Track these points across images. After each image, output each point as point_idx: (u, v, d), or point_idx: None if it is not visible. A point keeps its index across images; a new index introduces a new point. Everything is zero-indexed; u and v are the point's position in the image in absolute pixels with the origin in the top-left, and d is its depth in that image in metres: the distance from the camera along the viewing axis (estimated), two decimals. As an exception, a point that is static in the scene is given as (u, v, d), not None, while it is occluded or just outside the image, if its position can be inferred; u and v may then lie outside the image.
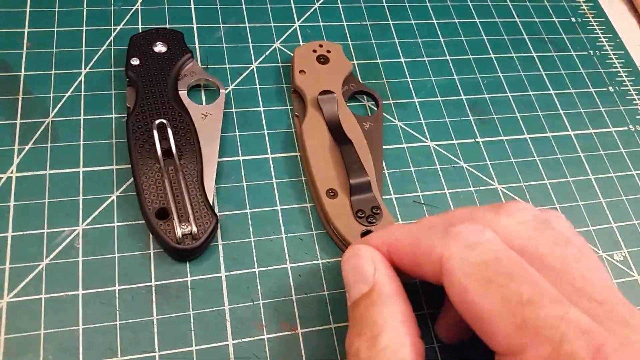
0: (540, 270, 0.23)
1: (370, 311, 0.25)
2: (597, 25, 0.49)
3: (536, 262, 0.23)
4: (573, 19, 0.49)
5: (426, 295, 0.32)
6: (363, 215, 0.33)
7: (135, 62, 0.36)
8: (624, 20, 0.50)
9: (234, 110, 0.38)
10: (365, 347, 0.24)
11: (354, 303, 0.26)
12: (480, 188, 0.37)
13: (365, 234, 0.33)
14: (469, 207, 0.28)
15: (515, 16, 0.48)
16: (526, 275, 0.22)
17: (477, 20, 0.46)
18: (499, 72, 0.44)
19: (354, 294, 0.26)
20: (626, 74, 0.46)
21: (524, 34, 0.47)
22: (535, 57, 0.45)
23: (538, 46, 0.46)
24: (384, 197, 0.36)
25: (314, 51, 0.39)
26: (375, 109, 0.39)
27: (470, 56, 0.44)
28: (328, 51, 0.40)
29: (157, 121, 0.33)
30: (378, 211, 0.34)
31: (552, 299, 0.21)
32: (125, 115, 0.35)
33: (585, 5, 0.50)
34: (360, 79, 0.40)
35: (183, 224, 0.31)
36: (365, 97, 0.40)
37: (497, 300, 0.21)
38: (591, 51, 0.47)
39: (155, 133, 0.33)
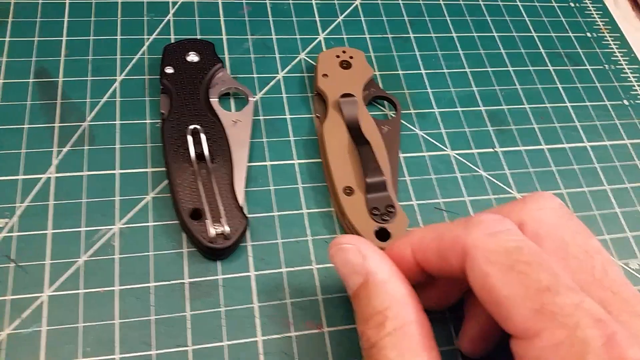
0: (564, 258, 0.24)
1: (371, 299, 0.26)
2: (612, 41, 0.50)
3: (560, 248, 0.24)
4: (588, 34, 0.50)
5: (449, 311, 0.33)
6: (378, 213, 0.35)
7: (169, 70, 0.37)
8: (639, 35, 0.52)
9: (261, 117, 0.39)
10: (373, 334, 0.25)
11: (354, 294, 0.27)
12: (499, 196, 0.39)
13: (379, 231, 0.34)
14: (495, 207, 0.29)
15: (532, 31, 0.49)
16: (545, 264, 0.23)
17: (495, 34, 0.48)
18: (517, 84, 0.45)
19: (352, 286, 0.27)
20: (640, 87, 0.47)
21: (541, 48, 0.48)
22: (552, 71, 0.47)
23: (554, 60, 0.48)
24: (405, 203, 0.37)
25: (338, 56, 0.41)
26: (394, 115, 0.40)
27: (489, 68, 0.45)
28: (351, 57, 0.41)
29: (191, 127, 0.35)
30: (392, 210, 0.35)
31: (568, 288, 0.22)
32: (159, 120, 0.37)
33: (601, 21, 0.51)
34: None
35: (216, 224, 0.32)
36: (385, 103, 0.41)
37: (516, 286, 0.22)
38: (606, 65, 0.48)
39: (190, 138, 0.34)
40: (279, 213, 0.36)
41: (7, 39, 0.39)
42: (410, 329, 0.24)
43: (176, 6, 0.43)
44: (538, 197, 0.27)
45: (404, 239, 0.28)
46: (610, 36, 0.50)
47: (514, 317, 0.23)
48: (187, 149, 0.34)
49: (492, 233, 0.24)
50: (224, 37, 0.42)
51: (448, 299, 0.30)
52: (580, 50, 0.49)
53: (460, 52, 0.46)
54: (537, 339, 0.22)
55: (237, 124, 0.37)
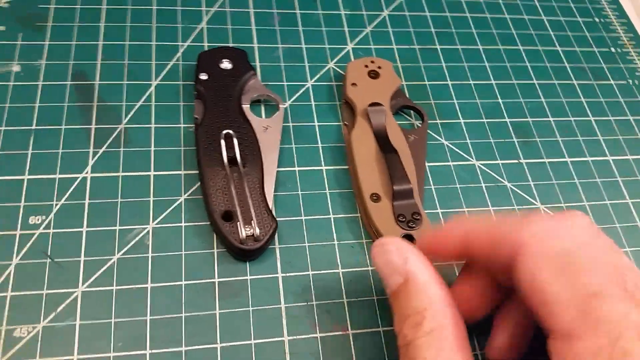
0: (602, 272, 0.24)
1: (410, 299, 0.27)
2: (637, 56, 0.50)
3: (591, 263, 0.25)
4: (612, 49, 0.51)
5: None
6: (404, 219, 0.35)
7: (203, 77, 0.38)
8: (663, 52, 0.52)
9: (290, 124, 0.40)
10: (411, 333, 0.26)
11: (393, 293, 0.28)
12: (523, 207, 0.39)
13: (404, 237, 0.35)
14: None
15: (557, 45, 0.50)
16: (595, 270, 0.24)
17: (520, 47, 0.48)
18: (542, 97, 0.46)
19: (392, 285, 0.28)
20: (664, 103, 0.48)
21: (565, 62, 0.49)
22: (576, 85, 0.47)
23: (578, 74, 0.48)
24: (430, 211, 0.38)
25: (366, 66, 0.42)
26: (420, 125, 0.41)
27: (514, 81, 0.46)
28: (379, 67, 0.42)
29: (225, 131, 0.36)
30: (418, 217, 0.36)
31: (617, 297, 0.23)
32: (192, 125, 0.38)
33: (625, 37, 0.52)
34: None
35: (246, 226, 0.33)
36: (412, 113, 0.42)
37: (566, 287, 0.23)
38: (630, 80, 0.49)
39: (223, 142, 0.35)
40: (307, 217, 0.36)
41: (47, 42, 0.41)
42: (447, 330, 0.25)
43: (209, 14, 0.44)
44: (569, 215, 0.28)
45: (457, 222, 0.29)
46: (634, 51, 0.51)
47: (559, 317, 0.23)
48: (220, 152, 0.35)
49: (549, 235, 0.25)
50: (255, 45, 0.44)
51: (478, 311, 0.31)
52: (604, 65, 0.49)
53: (486, 64, 0.47)
54: (578, 341, 0.22)
55: (267, 130, 0.38)
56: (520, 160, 0.42)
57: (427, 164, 0.40)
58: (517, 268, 0.25)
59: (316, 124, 0.41)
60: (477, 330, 0.33)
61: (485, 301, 0.30)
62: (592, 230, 0.27)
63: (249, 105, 0.39)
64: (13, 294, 0.31)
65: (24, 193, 0.34)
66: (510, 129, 0.43)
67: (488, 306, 0.30)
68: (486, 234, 0.27)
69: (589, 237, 0.26)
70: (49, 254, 0.33)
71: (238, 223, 0.33)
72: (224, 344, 0.31)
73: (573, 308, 0.23)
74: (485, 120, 0.43)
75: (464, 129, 0.42)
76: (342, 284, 0.34)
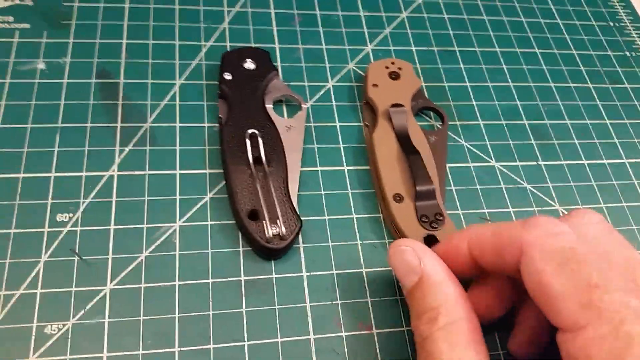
0: (607, 265, 0.25)
1: (426, 297, 0.28)
2: (651, 60, 0.51)
3: (603, 258, 0.25)
4: (627, 53, 0.51)
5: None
6: (427, 220, 0.36)
7: (227, 77, 0.39)
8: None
9: (312, 124, 0.40)
10: (427, 328, 0.27)
11: (409, 292, 0.29)
12: (543, 208, 0.40)
13: (427, 237, 0.35)
14: None
15: (573, 49, 0.50)
16: (596, 263, 0.25)
17: (537, 50, 0.49)
18: (558, 100, 0.46)
19: (407, 284, 0.29)
20: (680, 107, 0.48)
21: (581, 65, 0.49)
22: (592, 88, 0.48)
23: (594, 78, 0.48)
24: (451, 211, 0.38)
25: (387, 67, 0.42)
26: (441, 126, 0.41)
27: (532, 84, 0.46)
28: (399, 68, 0.42)
29: (250, 131, 0.36)
30: (441, 218, 0.36)
31: (617, 287, 0.24)
32: (217, 124, 0.38)
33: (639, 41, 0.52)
34: (428, 100, 0.43)
35: (272, 225, 0.33)
36: (432, 114, 0.43)
37: (568, 281, 0.24)
38: (645, 84, 0.49)
39: (248, 142, 0.35)
40: (330, 217, 0.37)
41: (71, 40, 0.41)
42: (461, 325, 0.27)
43: (231, 15, 0.45)
44: (582, 212, 0.29)
45: (461, 232, 0.30)
46: (649, 56, 0.51)
47: (563, 311, 0.24)
48: (245, 152, 0.35)
49: (550, 234, 0.26)
50: (277, 45, 0.44)
51: (494, 311, 0.31)
52: (619, 69, 0.50)
53: (504, 66, 0.47)
54: (584, 331, 0.23)
55: (290, 130, 0.38)
56: (539, 162, 0.42)
57: (447, 165, 0.40)
58: (523, 269, 0.26)
59: (337, 124, 0.41)
60: (499, 328, 0.33)
61: (501, 301, 0.31)
62: (603, 226, 0.28)
63: (272, 105, 0.39)
64: (43, 291, 0.31)
65: (51, 190, 0.35)
66: (529, 131, 0.44)
67: (505, 305, 0.31)
68: (490, 240, 0.28)
69: (599, 232, 0.27)
70: (77, 251, 0.33)
71: (264, 222, 0.33)
72: (250, 342, 0.32)
73: (575, 300, 0.24)
74: (503, 122, 0.43)
75: (483, 130, 0.43)
76: (366, 283, 0.35)
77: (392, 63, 0.43)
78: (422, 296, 0.28)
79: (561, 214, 0.40)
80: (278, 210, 0.34)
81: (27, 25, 0.41)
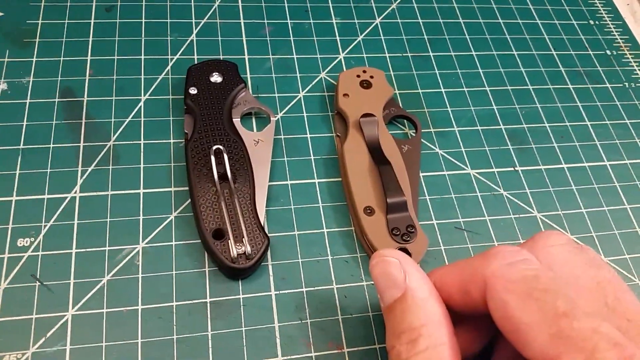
0: (576, 290, 0.24)
1: (407, 315, 0.26)
2: (633, 58, 0.50)
3: (572, 282, 0.24)
4: (608, 52, 0.50)
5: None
6: (398, 233, 0.35)
7: (193, 91, 0.38)
8: (659, 53, 0.52)
9: (282, 136, 0.40)
10: (405, 350, 0.25)
11: (388, 307, 0.27)
12: (520, 216, 0.39)
13: (399, 250, 0.34)
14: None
15: (552, 49, 0.49)
16: (561, 291, 0.23)
17: (515, 52, 0.48)
18: (537, 103, 0.45)
19: (387, 299, 0.27)
20: (662, 106, 0.47)
21: (561, 66, 0.48)
22: (572, 89, 0.47)
23: (574, 78, 0.48)
24: (425, 222, 0.37)
25: (358, 76, 0.42)
26: (414, 134, 0.40)
27: (509, 87, 0.45)
28: (371, 76, 0.42)
29: (214, 147, 0.35)
30: (413, 230, 0.35)
31: (585, 313, 0.22)
32: (183, 140, 0.38)
33: (621, 39, 0.51)
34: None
35: (237, 244, 0.33)
36: (405, 122, 0.42)
37: (534, 312, 0.23)
38: (626, 83, 0.48)
39: (213, 158, 0.35)
40: (300, 232, 0.36)
41: (34, 59, 0.40)
42: (443, 350, 0.25)
43: (199, 26, 0.44)
44: (547, 235, 0.28)
45: (424, 277, 0.28)
46: (630, 54, 0.50)
47: (533, 343, 0.23)
48: (211, 169, 0.34)
49: (510, 263, 0.25)
50: (246, 56, 0.43)
51: (472, 346, 0.30)
52: (600, 68, 0.49)
53: (480, 70, 0.46)
54: None
55: (258, 144, 0.37)
56: (516, 168, 0.41)
57: (421, 174, 0.39)
58: (488, 303, 0.25)
59: (308, 135, 0.40)
60: None
61: (477, 336, 0.30)
62: (570, 247, 0.27)
63: (239, 119, 0.38)
64: (1, 319, 0.31)
65: (12, 214, 0.34)
66: (506, 136, 0.43)
67: (482, 340, 0.30)
68: (455, 280, 0.27)
69: (566, 254, 0.26)
70: (38, 277, 0.32)
71: (229, 241, 0.32)
72: (217, 366, 0.31)
73: (544, 331, 0.22)
74: (479, 127, 0.43)
75: (459, 137, 0.42)
76: (337, 300, 0.34)
77: (364, 71, 0.42)
78: (402, 313, 0.26)
79: (539, 221, 0.39)
80: (244, 228, 0.33)
81: (-11, 45, 0.40)
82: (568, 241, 0.27)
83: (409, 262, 0.28)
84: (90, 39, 0.42)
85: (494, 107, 0.44)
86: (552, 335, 0.22)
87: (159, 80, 0.41)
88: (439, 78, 0.45)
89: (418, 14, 0.49)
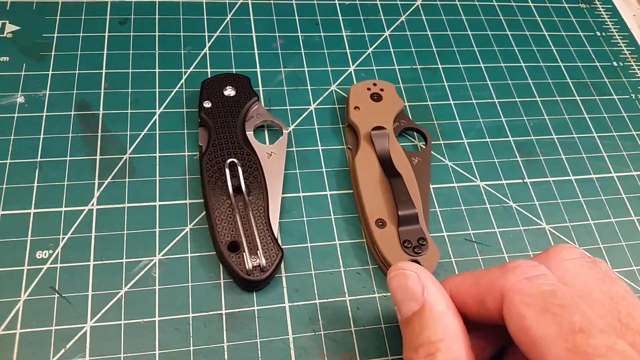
0: (589, 305, 0.25)
1: (425, 329, 0.26)
2: (639, 69, 0.50)
3: (585, 296, 0.25)
4: (615, 63, 0.51)
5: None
6: (410, 245, 0.35)
7: (207, 104, 0.38)
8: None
9: (294, 149, 0.40)
10: None
11: (405, 320, 0.27)
12: (529, 228, 0.39)
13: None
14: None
15: (559, 61, 0.50)
16: (578, 306, 0.24)
17: (522, 64, 0.48)
18: (545, 114, 0.46)
19: (405, 312, 0.27)
20: (668, 117, 0.48)
21: (568, 78, 0.49)
22: (579, 101, 0.47)
23: (581, 90, 0.48)
24: (436, 234, 0.38)
25: (368, 89, 0.42)
26: (424, 146, 0.41)
27: (517, 99, 0.46)
28: (381, 89, 0.42)
29: (229, 160, 0.36)
30: (424, 242, 0.36)
31: (601, 330, 0.23)
32: (197, 153, 0.38)
33: (627, 50, 0.52)
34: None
35: (252, 256, 0.33)
36: (415, 135, 0.42)
37: (551, 327, 0.23)
38: (633, 95, 0.49)
39: (227, 171, 0.35)
40: (312, 244, 0.36)
41: (50, 72, 0.41)
42: None
43: (212, 40, 0.45)
44: (560, 249, 0.28)
45: (439, 284, 0.29)
46: (637, 65, 0.51)
47: (548, 356, 0.23)
48: (225, 182, 0.35)
49: (529, 277, 0.25)
50: (258, 69, 0.44)
51: (481, 356, 0.31)
52: (607, 80, 0.49)
53: (489, 82, 0.47)
54: None
55: (271, 156, 0.38)
56: (525, 180, 0.42)
57: (431, 186, 0.40)
58: (505, 314, 0.25)
59: (320, 147, 0.41)
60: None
61: (489, 343, 0.30)
62: (583, 262, 0.27)
63: (252, 132, 0.39)
64: (22, 331, 0.31)
65: (30, 227, 0.34)
66: (514, 148, 0.43)
67: (493, 347, 0.30)
68: (471, 290, 0.27)
69: (579, 268, 0.27)
70: (57, 289, 0.33)
71: (244, 254, 0.33)
72: (232, 377, 0.31)
73: (560, 346, 0.23)
74: (488, 139, 0.43)
75: (468, 149, 0.42)
76: (350, 311, 0.34)
77: (374, 84, 0.42)
78: (420, 327, 0.26)
79: (548, 233, 0.39)
80: (258, 241, 0.34)
81: (6, 58, 0.41)
82: (581, 255, 0.28)
83: (427, 275, 0.28)
84: (105, 52, 0.42)
85: (502, 119, 0.45)
86: (568, 350, 0.23)
87: (173, 93, 0.41)
88: (447, 90, 0.45)
89: (427, 26, 0.49)
